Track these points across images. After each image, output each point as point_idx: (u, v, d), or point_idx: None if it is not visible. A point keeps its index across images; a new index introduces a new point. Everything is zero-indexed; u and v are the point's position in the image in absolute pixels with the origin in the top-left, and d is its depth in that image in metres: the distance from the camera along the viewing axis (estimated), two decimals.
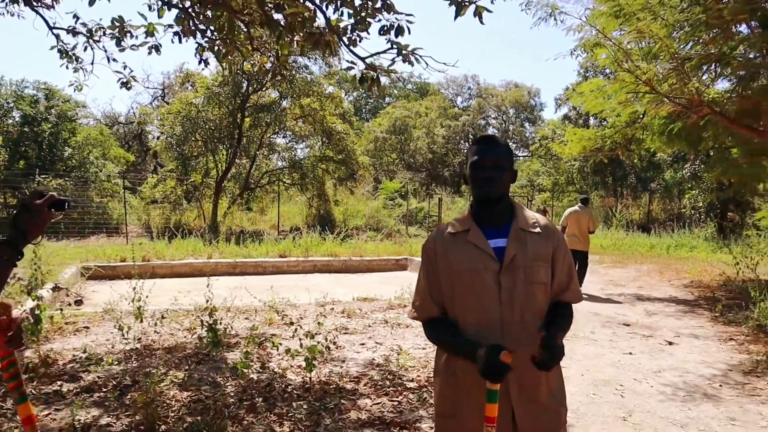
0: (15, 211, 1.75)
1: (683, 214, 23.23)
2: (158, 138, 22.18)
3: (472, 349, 1.81)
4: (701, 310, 8.28)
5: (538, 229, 1.98)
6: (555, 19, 8.93)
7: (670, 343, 6.47)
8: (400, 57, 5.04)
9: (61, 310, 6.62)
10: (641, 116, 10.83)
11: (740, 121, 8.13)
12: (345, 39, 5.17)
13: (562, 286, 2.01)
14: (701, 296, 9.37)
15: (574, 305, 2.08)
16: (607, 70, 18.15)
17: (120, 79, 6.64)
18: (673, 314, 8.06)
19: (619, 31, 8.64)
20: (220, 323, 5.76)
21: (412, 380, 4.95)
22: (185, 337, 6.14)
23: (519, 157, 41.34)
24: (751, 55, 8.46)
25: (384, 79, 5.49)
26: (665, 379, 5.18)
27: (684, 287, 10.40)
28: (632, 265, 13.44)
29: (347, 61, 5.24)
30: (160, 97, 33.84)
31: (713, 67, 8.69)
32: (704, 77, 9.03)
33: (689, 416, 4.30)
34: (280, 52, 5.89)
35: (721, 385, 5.02)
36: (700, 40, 8.21)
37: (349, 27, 5.04)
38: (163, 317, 6.04)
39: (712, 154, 14.47)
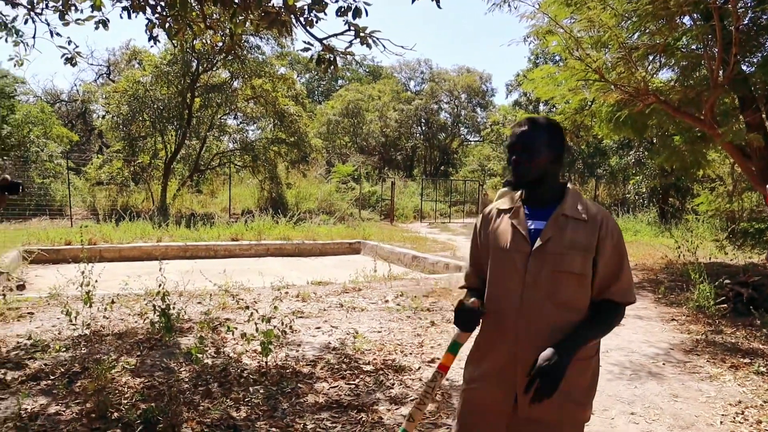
0: None
1: (627, 199, 23.95)
2: (103, 117, 21.40)
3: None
4: (645, 291, 8.59)
5: (584, 217, 1.90)
6: (509, 5, 9.01)
7: None
8: (358, 39, 5.02)
9: (3, 295, 6.41)
10: (590, 103, 11.07)
11: (683, 110, 8.40)
12: (302, 19, 5.10)
13: (604, 281, 1.90)
14: (645, 278, 9.71)
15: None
16: (558, 58, 18.46)
17: (65, 54, 6.37)
18: None
19: (570, 19, 8.77)
20: (173, 308, 5.66)
21: (368, 363, 4.99)
22: (136, 322, 6.01)
23: (470, 141, 41.75)
24: (693, 46, 8.74)
25: (339, 61, 5.45)
26: (613, 358, 5.37)
27: None
28: None
29: (304, 41, 5.20)
30: (105, 75, 32.67)
31: (658, 57, 8.94)
32: (650, 67, 9.28)
33: (635, 394, 4.48)
34: (233, 30, 5.77)
35: (664, 364, 5.25)
36: (647, 31, 8.41)
37: (306, 7, 4.98)
38: (113, 302, 5.89)
39: (655, 141, 14.95)
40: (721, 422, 3.95)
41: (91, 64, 32.74)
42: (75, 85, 34.90)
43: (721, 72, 7.49)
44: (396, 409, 4.01)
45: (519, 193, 2.04)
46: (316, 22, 5.13)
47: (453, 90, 39.57)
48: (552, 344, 1.81)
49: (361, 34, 4.93)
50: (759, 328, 6.40)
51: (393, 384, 4.50)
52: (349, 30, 4.97)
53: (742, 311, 7.08)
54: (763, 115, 8.39)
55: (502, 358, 1.92)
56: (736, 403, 4.28)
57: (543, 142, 1.92)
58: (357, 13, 4.88)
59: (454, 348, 1.91)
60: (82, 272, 5.68)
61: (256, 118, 23.66)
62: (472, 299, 1.90)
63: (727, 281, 7.46)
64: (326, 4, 4.91)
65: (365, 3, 4.89)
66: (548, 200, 1.95)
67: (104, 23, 5.69)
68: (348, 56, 5.42)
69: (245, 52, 18.81)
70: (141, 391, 4.12)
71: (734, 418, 4.02)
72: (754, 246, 10.78)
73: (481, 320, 1.98)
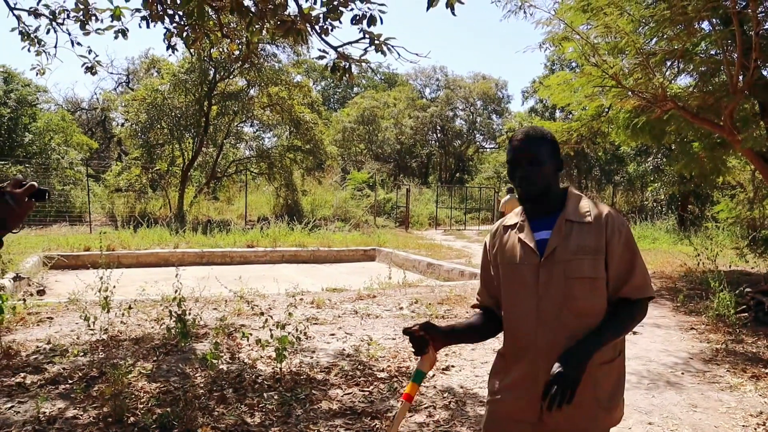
0: None
1: (645, 206, 23.74)
2: (122, 125, 21.75)
3: None
4: (663, 300, 8.49)
5: (588, 219, 1.87)
6: (524, 12, 8.97)
7: (634, 333, 6.62)
8: (373, 47, 5.03)
9: (24, 300, 6.48)
10: (607, 110, 10.99)
11: (702, 116, 8.31)
12: (317, 28, 5.13)
13: (618, 280, 1.85)
14: (663, 287, 9.60)
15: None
16: (574, 64, 18.38)
17: (85, 63, 6.48)
18: None
19: (587, 25, 8.72)
20: (189, 313, 5.69)
21: (382, 370, 4.98)
22: (153, 327, 6.06)
23: (486, 148, 41.62)
24: (712, 52, 8.66)
25: (354, 69, 5.47)
26: (630, 367, 5.29)
27: None
28: None
29: (319, 50, 5.24)
30: (124, 83, 33.13)
31: (676, 62, 8.86)
32: (668, 72, 9.20)
33: (653, 403, 4.42)
34: (249, 39, 5.82)
35: (683, 373, 5.18)
36: (665, 36, 8.33)
37: (321, 15, 5.00)
38: (130, 307, 5.94)
39: (674, 147, 14.79)
40: None
41: (111, 73, 33.28)
42: (95, 93, 35.47)
43: (740, 77, 7.40)
44: (410, 416, 4.00)
45: (521, 206, 2.03)
46: (331, 30, 5.15)
47: (468, 97, 39.52)
48: (567, 351, 1.77)
49: (376, 42, 4.94)
50: None
51: None
52: (364, 38, 4.98)
53: (763, 320, 6.98)
54: None
55: (524, 369, 1.90)
56: (757, 414, 4.21)
57: (546, 152, 1.92)
58: (372, 21, 4.90)
59: (416, 377, 1.94)
60: (101, 278, 5.73)
61: (272, 125, 23.85)
62: (415, 326, 1.93)
63: (748, 290, 7.35)
64: (341, 12, 4.93)
65: (380, 11, 4.91)
66: (552, 209, 1.93)
67: (124, 33, 5.77)
68: (363, 64, 5.44)
69: (261, 60, 18.95)
70: (157, 395, 4.15)
71: (755, 429, 3.96)
72: None
73: (430, 346, 1.97)
